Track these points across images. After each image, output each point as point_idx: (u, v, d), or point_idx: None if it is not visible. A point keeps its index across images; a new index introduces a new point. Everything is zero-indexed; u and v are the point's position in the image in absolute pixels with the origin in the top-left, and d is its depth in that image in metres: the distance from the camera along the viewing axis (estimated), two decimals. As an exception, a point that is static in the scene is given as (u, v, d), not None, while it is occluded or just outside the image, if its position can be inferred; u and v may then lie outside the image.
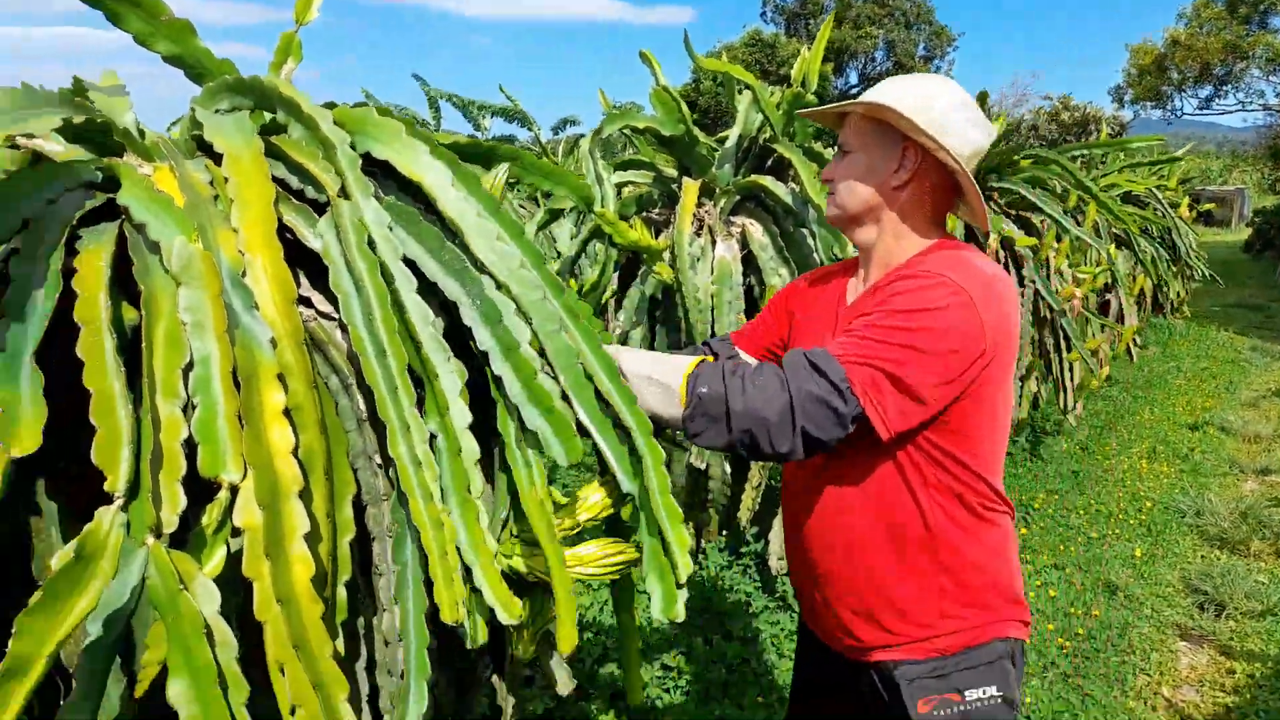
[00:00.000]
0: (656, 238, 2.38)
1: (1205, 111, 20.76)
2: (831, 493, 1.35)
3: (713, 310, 2.21)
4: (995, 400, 1.27)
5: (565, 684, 1.42)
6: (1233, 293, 12.78)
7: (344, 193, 1.06)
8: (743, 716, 2.51)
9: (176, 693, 0.80)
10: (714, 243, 2.34)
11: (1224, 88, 19.47)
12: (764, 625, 3.01)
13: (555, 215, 2.23)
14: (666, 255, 2.33)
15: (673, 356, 1.23)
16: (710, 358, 1.35)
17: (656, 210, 2.51)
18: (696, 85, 23.07)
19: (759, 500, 2.42)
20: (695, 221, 2.36)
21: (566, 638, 0.90)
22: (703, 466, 2.30)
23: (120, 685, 0.89)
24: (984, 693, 1.26)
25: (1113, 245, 6.00)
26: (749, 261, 2.33)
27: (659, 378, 1.14)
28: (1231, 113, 20.37)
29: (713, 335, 2.15)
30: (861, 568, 1.34)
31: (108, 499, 0.84)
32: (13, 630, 0.76)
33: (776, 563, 2.58)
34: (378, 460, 1.08)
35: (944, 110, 1.24)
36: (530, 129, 7.54)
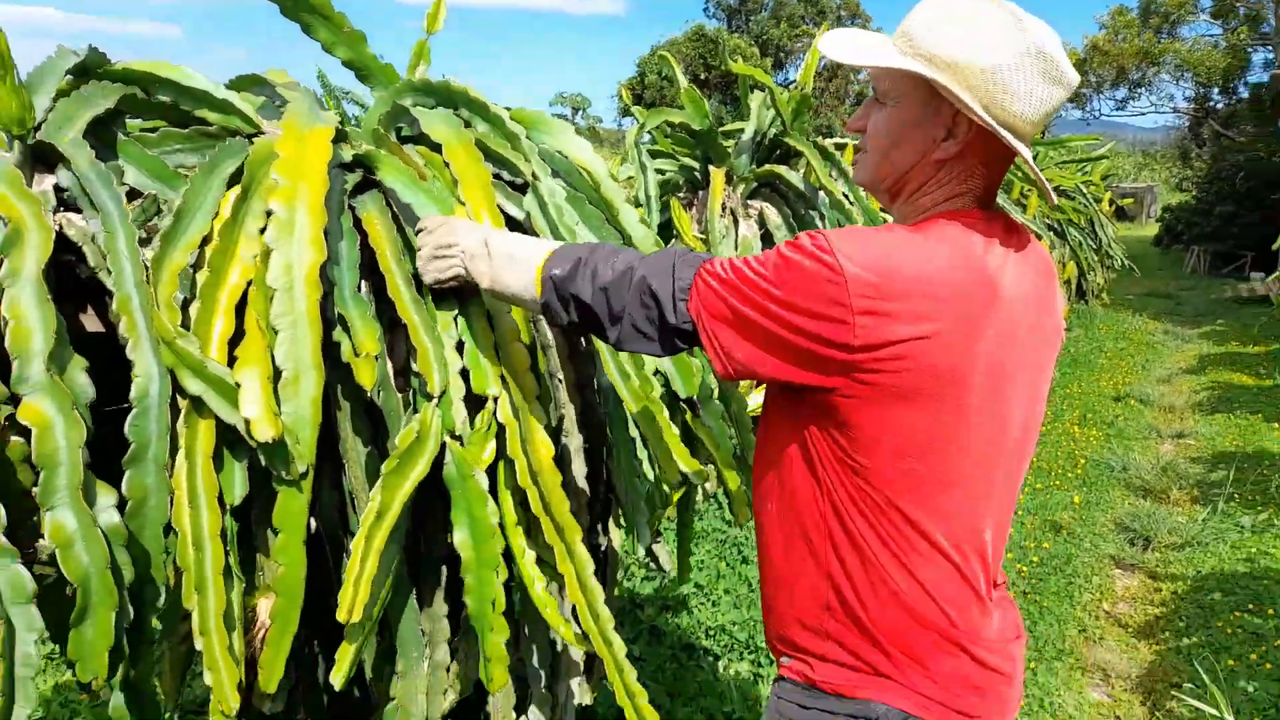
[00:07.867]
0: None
1: (1120, 113, 22.05)
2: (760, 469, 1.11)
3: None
4: None
5: (668, 562, 1.76)
6: (1145, 283, 13.73)
7: (534, 175, 1.36)
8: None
9: (460, 539, 1.11)
10: (736, 223, 2.69)
11: (1138, 90, 20.74)
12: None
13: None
14: (695, 229, 2.68)
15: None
16: None
17: (682, 194, 2.85)
18: (641, 78, 23.47)
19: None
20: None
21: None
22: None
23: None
24: None
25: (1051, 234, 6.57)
26: (767, 239, 2.69)
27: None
28: (1145, 114, 21.65)
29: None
30: (764, 558, 1.10)
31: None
32: (378, 485, 1.06)
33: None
34: (559, 377, 1.40)
35: (1004, 66, 0.89)
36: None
